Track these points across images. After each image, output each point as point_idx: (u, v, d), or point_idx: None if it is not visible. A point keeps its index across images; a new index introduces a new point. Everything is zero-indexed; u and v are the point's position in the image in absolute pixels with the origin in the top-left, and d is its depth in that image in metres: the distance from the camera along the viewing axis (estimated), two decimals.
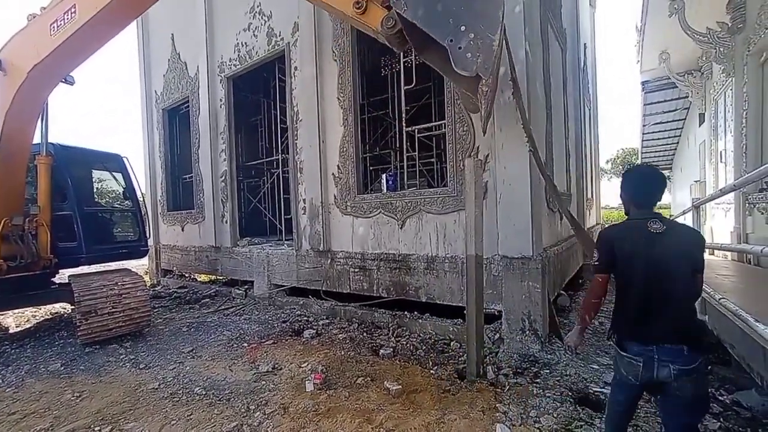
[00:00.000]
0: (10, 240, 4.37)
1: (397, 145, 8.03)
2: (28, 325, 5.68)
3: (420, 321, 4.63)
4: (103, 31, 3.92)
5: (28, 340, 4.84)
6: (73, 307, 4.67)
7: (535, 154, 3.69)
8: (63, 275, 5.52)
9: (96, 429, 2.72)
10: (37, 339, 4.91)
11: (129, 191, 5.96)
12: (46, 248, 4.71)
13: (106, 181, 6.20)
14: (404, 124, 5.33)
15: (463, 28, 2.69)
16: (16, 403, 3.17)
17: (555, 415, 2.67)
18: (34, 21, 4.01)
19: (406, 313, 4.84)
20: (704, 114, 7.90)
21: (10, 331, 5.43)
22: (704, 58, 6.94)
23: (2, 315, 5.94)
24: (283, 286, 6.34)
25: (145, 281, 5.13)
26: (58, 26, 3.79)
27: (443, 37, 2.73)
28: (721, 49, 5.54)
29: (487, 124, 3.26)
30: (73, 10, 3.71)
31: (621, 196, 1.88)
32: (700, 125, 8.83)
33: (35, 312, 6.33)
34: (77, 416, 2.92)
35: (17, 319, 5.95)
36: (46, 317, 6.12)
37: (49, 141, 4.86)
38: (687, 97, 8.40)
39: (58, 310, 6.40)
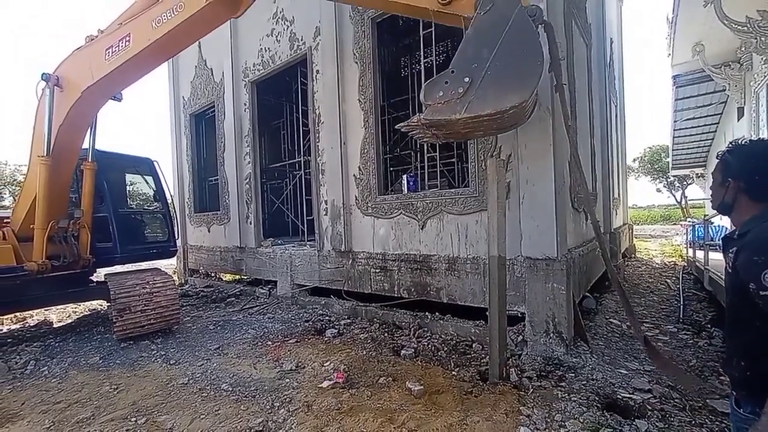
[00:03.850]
0: (55, 241, 4.65)
1: (418, 146, 8.02)
2: (69, 321, 6.04)
3: (441, 322, 4.61)
4: (153, 59, 4.17)
5: (69, 335, 5.15)
6: (109, 304, 4.92)
7: (577, 165, 3.50)
8: (99, 274, 5.84)
9: (132, 420, 2.87)
10: (78, 333, 5.21)
11: (159, 194, 6.20)
12: (86, 248, 5.00)
13: (137, 184, 6.50)
14: None
15: (467, 79, 2.58)
16: (61, 393, 3.39)
17: (581, 420, 2.60)
18: (92, 43, 4.23)
19: (427, 313, 4.83)
20: (743, 108, 7.48)
21: (54, 325, 5.79)
22: (743, 49, 6.57)
23: (47, 310, 6.35)
24: (306, 286, 6.46)
25: (174, 280, 5.34)
26: (113, 52, 4.02)
27: (457, 63, 2.66)
28: (763, 39, 5.25)
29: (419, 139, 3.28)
30: (127, 39, 3.93)
31: (729, 183, 1.35)
32: (738, 120, 8.37)
33: (75, 308, 6.72)
34: (115, 407, 3.08)
35: (59, 315, 6.34)
36: (85, 313, 6.48)
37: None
38: (723, 90, 7.98)
39: (95, 306, 6.77)
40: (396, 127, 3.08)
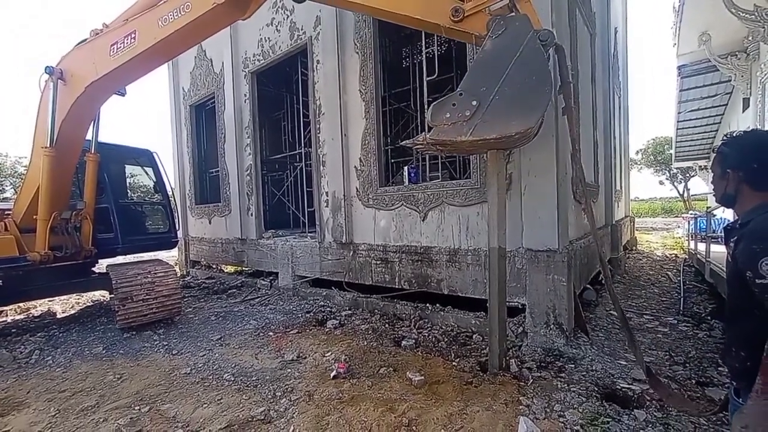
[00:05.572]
0: (57, 232, 4.67)
1: None
2: (72, 311, 6.09)
3: (442, 313, 4.64)
4: (159, 58, 4.10)
5: (73, 325, 5.19)
6: (111, 294, 4.95)
7: (578, 173, 3.49)
8: (101, 265, 5.87)
9: (136, 408, 2.91)
10: (81, 324, 5.25)
11: (159, 185, 6.18)
12: (88, 239, 5.01)
13: (137, 176, 6.48)
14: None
15: (474, 102, 2.57)
16: (66, 382, 3.43)
17: (580, 410, 2.63)
18: (96, 38, 4.12)
19: (428, 305, 4.85)
20: (749, 99, 7.40)
21: (58, 316, 5.84)
22: (751, 38, 6.47)
23: (50, 301, 6.41)
24: (307, 277, 6.48)
25: (175, 270, 5.36)
26: (117, 48, 3.91)
27: (466, 86, 2.65)
28: None
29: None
30: (133, 35, 3.82)
31: (728, 174, 1.36)
32: (743, 111, 8.29)
33: (78, 299, 6.78)
34: (119, 396, 3.12)
35: (63, 305, 6.39)
36: (88, 304, 6.53)
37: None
38: (729, 81, 7.89)
39: (98, 297, 6.82)
40: (400, 143, 3.11)
